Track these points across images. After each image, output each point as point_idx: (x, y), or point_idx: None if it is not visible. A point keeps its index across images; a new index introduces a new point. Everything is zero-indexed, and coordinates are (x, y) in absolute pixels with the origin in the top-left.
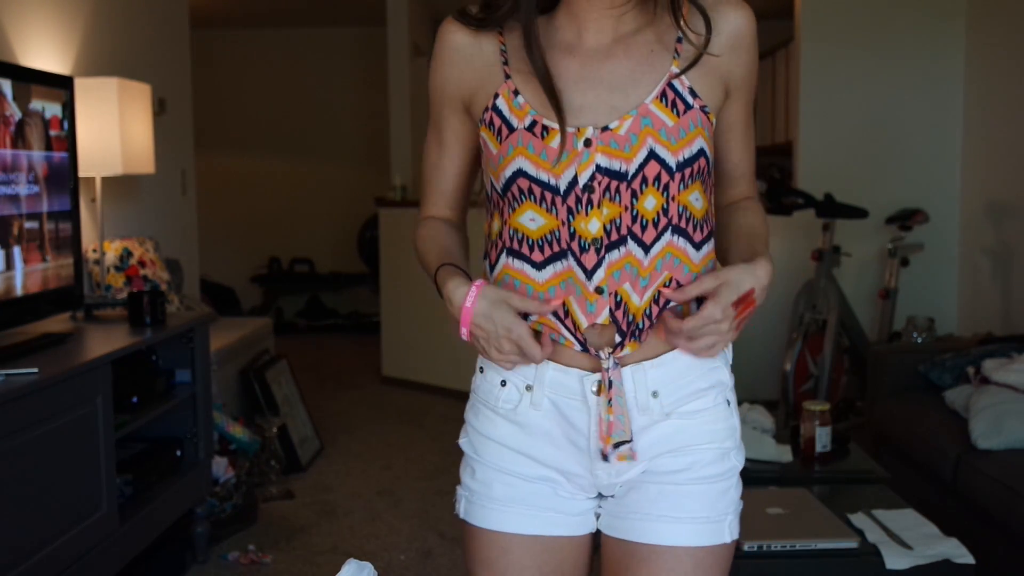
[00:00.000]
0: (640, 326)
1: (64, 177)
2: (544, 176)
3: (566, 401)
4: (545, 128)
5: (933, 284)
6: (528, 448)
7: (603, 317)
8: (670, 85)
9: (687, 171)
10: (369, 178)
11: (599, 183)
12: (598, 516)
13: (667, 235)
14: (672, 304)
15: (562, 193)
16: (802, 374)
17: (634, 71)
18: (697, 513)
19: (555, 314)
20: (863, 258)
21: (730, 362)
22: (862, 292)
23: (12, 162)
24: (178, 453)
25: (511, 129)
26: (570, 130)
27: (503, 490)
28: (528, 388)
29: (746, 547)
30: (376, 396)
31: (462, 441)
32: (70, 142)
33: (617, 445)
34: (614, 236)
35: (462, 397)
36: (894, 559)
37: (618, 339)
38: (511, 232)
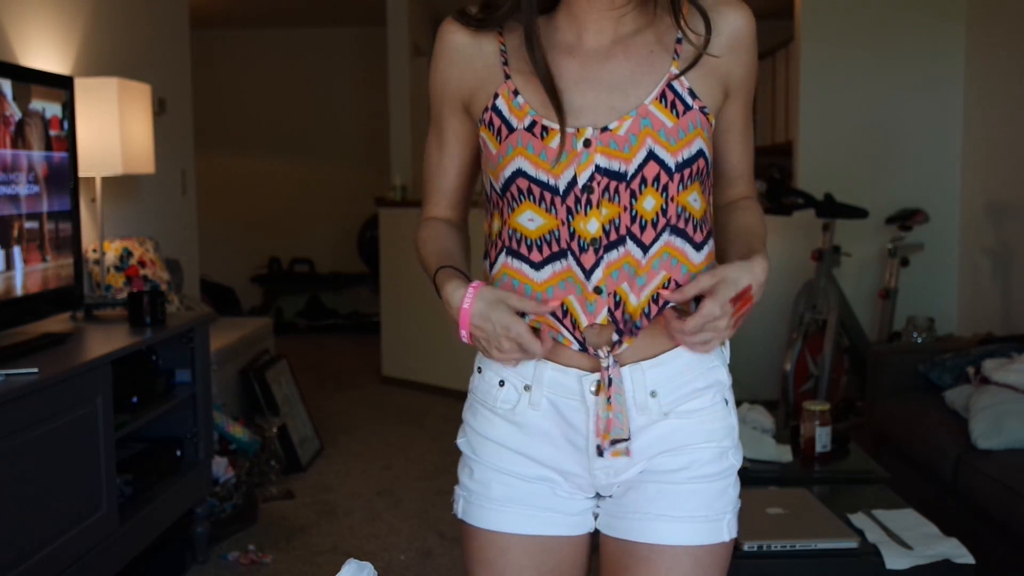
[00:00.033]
0: (638, 325)
1: (64, 177)
2: (543, 176)
3: (565, 401)
4: (545, 128)
5: (933, 284)
6: (526, 448)
7: (602, 317)
8: (669, 86)
9: (686, 172)
10: (369, 178)
11: (598, 183)
12: (596, 516)
13: (665, 235)
14: (671, 304)
15: (561, 193)
16: (802, 374)
17: (634, 72)
18: (695, 512)
19: (554, 313)
20: (863, 258)
21: (728, 361)
22: (862, 292)
23: (12, 162)
24: (178, 453)
25: (511, 129)
26: (570, 130)
27: (501, 490)
28: (526, 388)
29: (746, 547)
30: (376, 396)
31: (460, 441)
32: (70, 142)
33: (615, 442)
34: (613, 236)
35: (462, 397)
36: (894, 559)
37: (616, 338)
38: (510, 232)
